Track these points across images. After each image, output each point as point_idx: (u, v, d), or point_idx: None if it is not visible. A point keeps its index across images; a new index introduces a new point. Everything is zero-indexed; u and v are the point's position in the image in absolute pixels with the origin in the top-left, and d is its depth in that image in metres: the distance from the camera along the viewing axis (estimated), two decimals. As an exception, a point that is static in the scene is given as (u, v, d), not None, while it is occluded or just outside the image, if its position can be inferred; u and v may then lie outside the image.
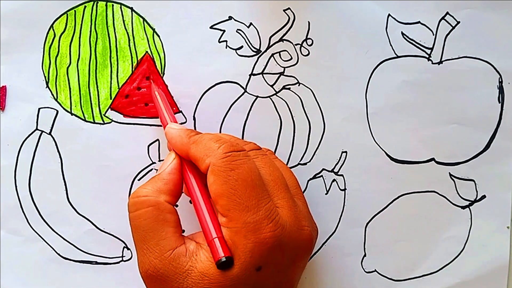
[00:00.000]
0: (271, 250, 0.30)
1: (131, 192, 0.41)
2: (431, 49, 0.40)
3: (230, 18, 0.40)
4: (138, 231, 0.31)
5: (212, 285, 0.30)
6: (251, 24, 0.40)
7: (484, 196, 0.41)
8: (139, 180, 0.41)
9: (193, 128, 0.41)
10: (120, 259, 0.41)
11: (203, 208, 0.32)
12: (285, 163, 0.41)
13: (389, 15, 0.40)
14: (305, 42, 0.40)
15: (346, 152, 0.41)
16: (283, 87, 0.41)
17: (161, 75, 0.40)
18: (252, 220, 0.29)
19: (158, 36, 0.40)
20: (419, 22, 0.40)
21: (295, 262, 0.32)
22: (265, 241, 0.29)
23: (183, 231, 0.33)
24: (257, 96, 0.41)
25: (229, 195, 0.30)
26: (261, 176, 0.32)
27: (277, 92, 0.41)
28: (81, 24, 0.40)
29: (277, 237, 0.30)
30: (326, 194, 0.41)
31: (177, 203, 0.34)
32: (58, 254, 0.41)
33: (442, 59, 0.40)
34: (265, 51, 0.40)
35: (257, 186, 0.30)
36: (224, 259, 0.29)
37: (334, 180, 0.41)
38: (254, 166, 0.31)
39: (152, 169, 0.41)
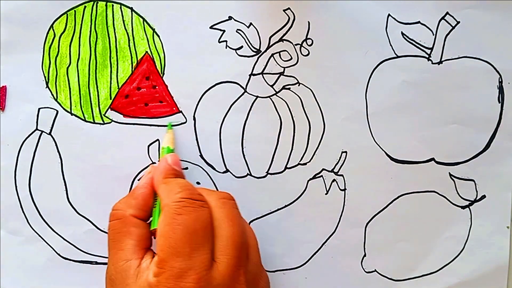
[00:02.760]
0: None
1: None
2: (431, 49, 0.40)
3: (230, 18, 0.40)
4: (108, 239, 0.34)
5: None
6: (251, 24, 0.40)
7: (484, 196, 0.41)
8: (139, 180, 0.41)
9: (193, 129, 0.41)
10: (120, 259, 0.41)
11: None
12: (285, 163, 0.41)
13: (389, 15, 0.40)
14: (305, 42, 0.40)
15: (346, 152, 0.41)
16: (283, 87, 0.41)
17: (161, 75, 0.40)
18: (178, 266, 0.30)
19: (158, 36, 0.40)
20: (419, 22, 0.40)
21: None
22: None
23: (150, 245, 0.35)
24: (257, 96, 0.41)
25: (167, 236, 0.31)
26: (209, 227, 0.32)
27: (277, 92, 0.41)
28: (81, 24, 0.40)
29: None
30: (326, 194, 0.41)
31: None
32: (58, 254, 0.41)
33: (442, 59, 0.40)
34: (265, 51, 0.40)
35: (197, 236, 0.31)
36: None
37: (334, 180, 0.41)
38: (204, 217, 0.32)
39: (152, 169, 0.41)
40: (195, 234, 0.31)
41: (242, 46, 0.40)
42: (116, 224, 0.34)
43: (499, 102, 0.41)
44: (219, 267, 0.31)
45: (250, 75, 0.40)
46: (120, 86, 0.40)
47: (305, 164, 0.41)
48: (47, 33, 0.40)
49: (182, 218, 0.31)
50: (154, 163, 0.41)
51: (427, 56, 0.40)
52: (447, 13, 0.40)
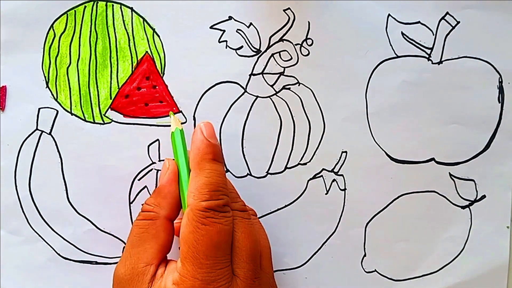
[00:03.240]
0: None
1: (131, 194, 0.41)
2: (431, 49, 0.40)
3: (230, 18, 0.40)
4: (132, 235, 0.34)
5: None
6: (251, 24, 0.40)
7: (484, 196, 0.41)
8: (139, 180, 0.41)
9: (193, 128, 0.41)
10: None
11: None
12: (285, 163, 0.41)
13: (389, 15, 0.40)
14: (305, 42, 0.40)
15: (346, 152, 0.41)
16: (283, 87, 0.41)
17: (161, 75, 0.40)
18: (201, 278, 0.30)
19: (158, 36, 0.40)
20: (419, 22, 0.40)
21: None
22: None
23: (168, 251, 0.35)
24: (257, 96, 0.41)
25: (190, 245, 0.31)
26: (229, 240, 0.32)
27: (277, 92, 0.41)
28: (81, 24, 0.40)
29: None
30: (326, 194, 0.41)
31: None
32: (58, 254, 0.41)
33: (442, 59, 0.40)
34: (265, 51, 0.40)
35: (220, 249, 0.31)
36: None
37: (334, 180, 0.41)
38: (226, 229, 0.32)
39: (152, 169, 0.41)
40: (218, 246, 0.31)
41: (242, 46, 0.40)
42: (147, 224, 0.34)
43: (499, 102, 0.41)
44: (237, 281, 0.31)
45: (250, 75, 0.40)
46: (120, 86, 0.40)
47: (305, 164, 0.41)
48: (47, 33, 0.40)
49: (206, 229, 0.31)
50: (154, 163, 0.41)
51: (427, 56, 0.40)
52: (447, 13, 0.40)
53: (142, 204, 0.35)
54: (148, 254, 0.33)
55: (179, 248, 0.38)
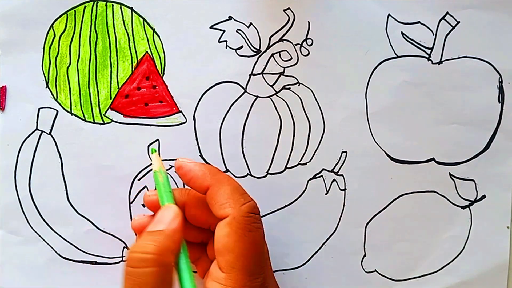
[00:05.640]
0: None
1: (131, 194, 0.41)
2: (431, 49, 0.40)
3: (230, 18, 0.40)
4: None
5: None
6: (251, 24, 0.40)
7: (484, 196, 0.41)
8: (139, 180, 0.41)
9: (193, 129, 0.41)
10: (120, 259, 0.41)
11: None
12: (285, 163, 0.41)
13: (389, 15, 0.40)
14: (305, 42, 0.40)
15: (346, 152, 0.41)
16: (283, 87, 0.41)
17: (161, 75, 0.40)
18: (250, 285, 0.30)
19: (158, 36, 0.40)
20: (419, 22, 0.40)
21: None
22: None
23: None
24: (257, 96, 0.41)
25: (238, 254, 0.30)
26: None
27: (277, 92, 0.41)
28: (81, 24, 0.40)
29: None
30: (326, 194, 0.41)
31: None
32: (58, 254, 0.41)
33: (442, 59, 0.40)
34: (265, 51, 0.40)
35: (263, 254, 0.31)
36: None
37: (334, 180, 0.41)
38: (263, 232, 0.32)
39: (152, 169, 0.41)
40: (262, 252, 0.31)
41: (242, 46, 0.40)
42: (158, 272, 0.28)
43: (499, 102, 0.41)
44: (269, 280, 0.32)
45: (250, 75, 0.40)
46: (120, 86, 0.40)
47: (305, 164, 0.41)
48: (47, 33, 0.40)
49: (252, 235, 0.30)
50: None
51: (427, 56, 0.40)
52: (447, 13, 0.40)
53: (128, 251, 0.30)
54: None
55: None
